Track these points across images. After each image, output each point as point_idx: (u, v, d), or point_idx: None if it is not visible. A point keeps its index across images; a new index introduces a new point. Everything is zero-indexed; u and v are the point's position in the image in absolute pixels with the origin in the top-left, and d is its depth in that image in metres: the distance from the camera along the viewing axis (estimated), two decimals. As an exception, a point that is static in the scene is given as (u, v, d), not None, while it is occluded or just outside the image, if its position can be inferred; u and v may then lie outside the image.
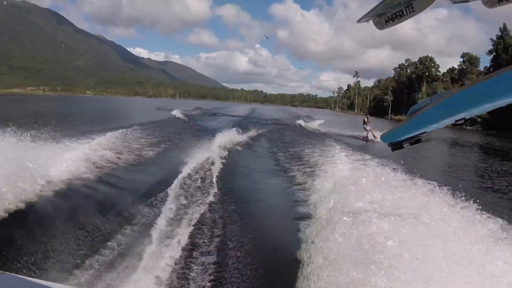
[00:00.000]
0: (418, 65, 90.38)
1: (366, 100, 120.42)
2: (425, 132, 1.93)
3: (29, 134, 9.96)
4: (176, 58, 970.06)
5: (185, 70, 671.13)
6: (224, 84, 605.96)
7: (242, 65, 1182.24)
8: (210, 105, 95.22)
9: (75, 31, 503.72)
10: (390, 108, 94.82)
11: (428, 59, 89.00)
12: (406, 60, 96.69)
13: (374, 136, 25.00)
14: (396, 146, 2.02)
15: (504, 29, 71.03)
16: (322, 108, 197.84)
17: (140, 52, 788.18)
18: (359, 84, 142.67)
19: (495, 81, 1.43)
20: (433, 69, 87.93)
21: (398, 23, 2.00)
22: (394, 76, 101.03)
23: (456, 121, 1.77)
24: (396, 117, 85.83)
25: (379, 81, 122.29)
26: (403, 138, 1.98)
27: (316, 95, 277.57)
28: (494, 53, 72.74)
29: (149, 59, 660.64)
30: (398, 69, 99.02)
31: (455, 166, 19.65)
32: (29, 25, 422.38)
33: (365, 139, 25.73)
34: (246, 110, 74.69)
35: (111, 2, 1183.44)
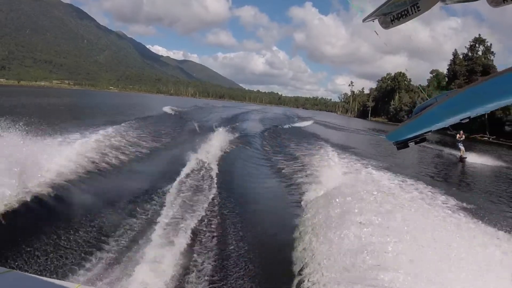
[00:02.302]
0: (393, 79, 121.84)
1: (358, 105, 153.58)
2: (430, 131, 2.14)
3: (26, 129, 10.17)
4: (194, 57, 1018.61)
5: (203, 69, 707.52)
6: (240, 85, 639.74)
7: (259, 66, 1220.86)
8: (233, 104, 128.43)
9: (96, 26, 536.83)
10: (370, 112, 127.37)
11: (401, 75, 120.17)
12: (387, 74, 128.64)
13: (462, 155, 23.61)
14: (402, 145, 2.27)
15: (455, 53, 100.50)
16: (331, 111, 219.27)
17: (158, 50, 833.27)
18: (361, 91, 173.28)
19: (499, 81, 1.55)
20: (405, 83, 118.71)
21: (404, 22, 2.16)
22: (376, 87, 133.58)
23: (461, 120, 1.93)
24: (374, 119, 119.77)
25: (370, 90, 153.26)
26: (408, 137, 2.19)
27: (330, 99, 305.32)
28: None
29: (168, 57, 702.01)
30: (381, 81, 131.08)
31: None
32: (52, 19, 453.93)
33: (461, 158, 23.58)
34: (256, 107, 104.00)
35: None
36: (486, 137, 66.23)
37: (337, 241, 5.92)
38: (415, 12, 2.01)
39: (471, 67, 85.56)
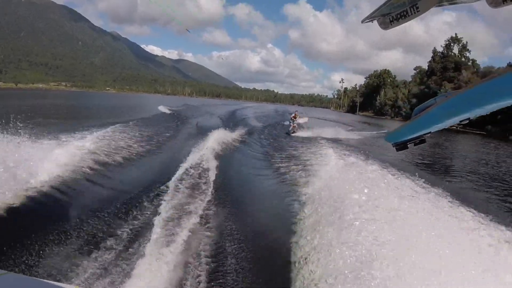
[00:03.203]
0: (379, 75, 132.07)
1: (348, 101, 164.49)
2: (430, 132, 2.09)
3: (20, 130, 10.28)
4: (189, 56, 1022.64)
5: (199, 68, 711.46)
6: (236, 83, 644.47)
7: (254, 64, 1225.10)
8: (229, 102, 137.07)
9: (90, 28, 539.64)
10: (358, 107, 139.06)
11: (386, 72, 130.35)
12: (374, 71, 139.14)
13: (294, 130, 29.95)
14: (401, 146, 2.21)
15: (434, 51, 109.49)
16: (326, 107, 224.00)
17: (153, 49, 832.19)
18: (354, 87, 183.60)
19: (499, 82, 1.56)
20: (389, 79, 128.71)
21: (403, 23, 2.15)
22: (364, 83, 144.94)
23: (461, 121, 1.92)
24: (362, 113, 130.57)
25: (359, 86, 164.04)
26: (407, 138, 2.15)
27: (326, 96, 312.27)
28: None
29: (163, 56, 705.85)
30: (368, 78, 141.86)
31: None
32: (46, 21, 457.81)
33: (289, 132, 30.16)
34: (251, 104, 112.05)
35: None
36: (453, 126, 74.93)
37: (336, 239, 6.07)
38: (414, 13, 2.05)
39: (444, 64, 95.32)
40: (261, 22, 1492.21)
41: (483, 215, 7.51)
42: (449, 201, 8.16)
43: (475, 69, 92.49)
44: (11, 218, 7.08)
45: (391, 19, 2.19)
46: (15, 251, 6.05)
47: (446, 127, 2.02)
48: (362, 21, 2.31)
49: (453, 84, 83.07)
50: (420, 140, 2.18)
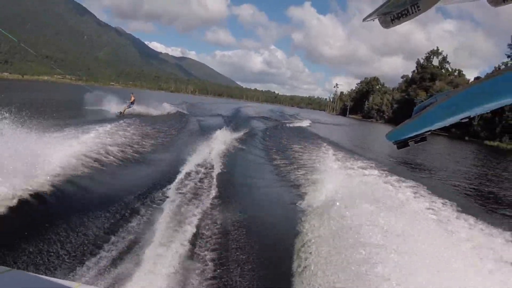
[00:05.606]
0: (368, 82, 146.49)
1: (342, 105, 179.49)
2: (430, 131, 2.10)
3: (30, 124, 10.49)
4: (192, 54, 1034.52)
5: (201, 67, 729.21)
6: (238, 83, 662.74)
7: (257, 65, 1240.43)
8: (229, 101, 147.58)
9: (96, 22, 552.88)
10: (348, 110, 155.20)
11: (374, 79, 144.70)
12: (365, 78, 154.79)
13: (123, 112, 30.54)
14: (402, 144, 2.21)
15: (418, 62, 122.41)
16: (323, 110, 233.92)
17: (156, 46, 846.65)
18: (350, 92, 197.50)
19: (499, 80, 1.57)
20: (378, 86, 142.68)
21: (404, 22, 2.14)
22: (356, 89, 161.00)
23: (461, 119, 1.93)
24: (352, 116, 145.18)
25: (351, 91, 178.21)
26: (408, 136, 2.15)
27: (326, 99, 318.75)
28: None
29: (166, 54, 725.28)
30: (360, 84, 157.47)
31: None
32: (52, 15, 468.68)
33: (120, 113, 30.04)
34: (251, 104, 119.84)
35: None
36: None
37: (337, 244, 6.26)
38: (415, 11, 2.05)
39: (422, 75, 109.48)
40: (264, 23, 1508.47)
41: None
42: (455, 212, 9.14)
43: (450, 80, 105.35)
44: (15, 216, 7.18)
45: (392, 18, 2.22)
46: (20, 248, 6.17)
47: (446, 125, 2.05)
48: (363, 20, 2.38)
49: (427, 93, 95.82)
50: (421, 138, 2.20)
